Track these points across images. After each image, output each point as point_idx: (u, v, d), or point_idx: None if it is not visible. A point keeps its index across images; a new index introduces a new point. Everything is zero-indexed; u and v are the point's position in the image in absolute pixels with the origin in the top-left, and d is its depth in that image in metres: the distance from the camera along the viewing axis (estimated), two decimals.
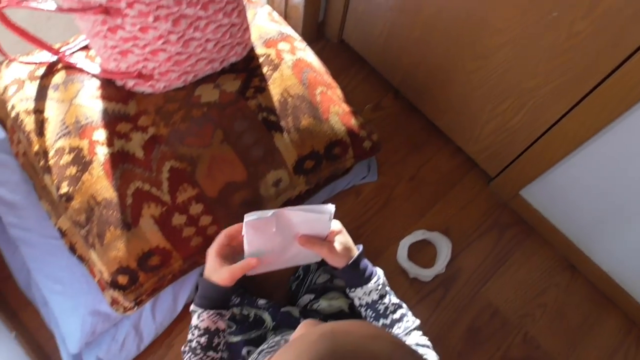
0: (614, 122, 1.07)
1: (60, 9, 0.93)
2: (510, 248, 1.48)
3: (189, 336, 0.76)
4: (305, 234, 0.77)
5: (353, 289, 0.80)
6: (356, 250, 0.80)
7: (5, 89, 1.04)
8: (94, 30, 0.96)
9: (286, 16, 1.59)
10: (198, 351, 0.74)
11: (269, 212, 0.72)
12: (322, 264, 1.14)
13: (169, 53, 1.00)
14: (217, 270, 0.74)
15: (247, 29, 1.10)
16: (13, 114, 1.02)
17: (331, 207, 0.74)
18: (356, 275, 0.79)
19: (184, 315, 1.24)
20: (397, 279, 1.39)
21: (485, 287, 1.42)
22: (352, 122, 1.12)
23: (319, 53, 1.66)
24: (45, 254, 1.13)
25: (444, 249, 1.40)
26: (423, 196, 1.51)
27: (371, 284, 0.78)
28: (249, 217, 0.71)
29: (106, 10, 0.90)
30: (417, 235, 1.42)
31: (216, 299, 0.75)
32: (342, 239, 0.79)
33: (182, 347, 0.77)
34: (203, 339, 0.74)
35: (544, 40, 1.07)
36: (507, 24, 1.12)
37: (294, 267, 1.23)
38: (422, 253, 1.43)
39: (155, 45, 0.97)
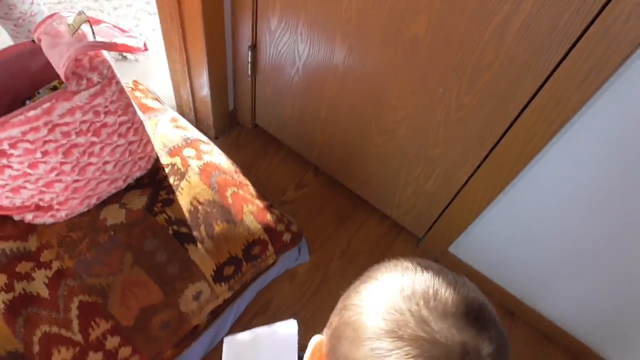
0: (516, 178, 1.13)
1: None
2: None
3: None
4: (275, 353, 0.75)
5: None
6: None
7: None
8: None
9: (196, 110, 1.60)
10: None
11: (246, 334, 0.74)
12: None
13: (65, 182, 0.96)
14: None
15: (147, 142, 1.08)
16: None
17: (292, 323, 0.74)
18: None
19: None
20: None
21: None
22: (268, 217, 1.12)
23: (235, 140, 1.69)
24: None
25: None
26: (358, 268, 1.49)
27: None
28: (229, 338, 0.73)
29: None
30: None
31: None
32: None
33: None
34: None
35: (437, 114, 1.13)
36: (401, 102, 1.17)
37: None
38: None
39: (48, 177, 0.93)
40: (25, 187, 0.94)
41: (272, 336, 0.74)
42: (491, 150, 1.11)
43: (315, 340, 0.51)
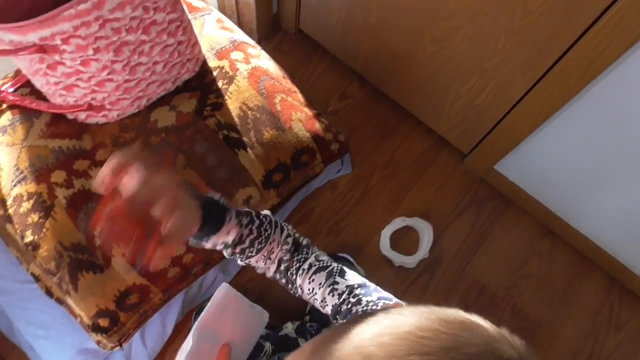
0: (578, 95, 1.06)
1: None
2: (491, 222, 1.49)
3: None
4: (229, 320, 0.79)
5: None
6: None
7: None
8: (32, 69, 0.91)
9: (239, 12, 1.53)
10: None
11: (189, 339, 0.73)
12: None
13: (116, 82, 0.95)
14: None
15: (195, 43, 1.05)
16: None
17: (224, 285, 0.77)
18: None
19: (175, 337, 1.24)
20: (383, 270, 1.40)
21: (469, 265, 1.43)
22: (317, 126, 1.10)
23: (278, 46, 1.63)
24: (22, 300, 1.10)
25: (425, 233, 1.40)
26: (399, 182, 1.51)
27: None
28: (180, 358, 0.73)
29: (42, 49, 0.85)
30: (397, 223, 1.42)
31: None
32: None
33: None
34: None
35: (500, 20, 1.05)
36: (461, 6, 1.09)
37: None
38: (405, 240, 1.44)
39: (100, 76, 0.93)
40: (78, 86, 0.93)
41: (213, 312, 0.76)
42: (556, 62, 1.04)
43: None
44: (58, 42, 0.84)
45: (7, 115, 1.00)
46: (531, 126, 1.22)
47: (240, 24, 1.56)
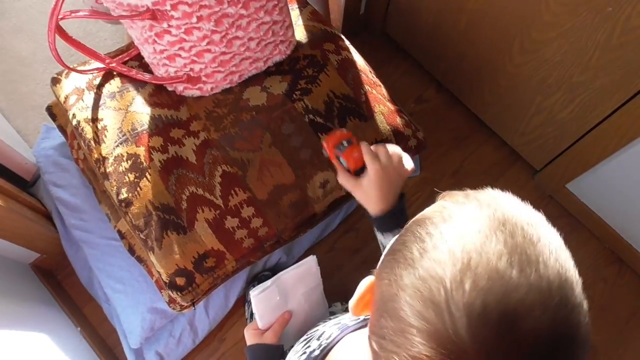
0: None
1: (111, 17, 0.97)
2: None
3: None
4: (301, 291, 0.82)
5: (380, 233, 0.81)
6: (392, 199, 0.79)
7: (66, 98, 1.09)
8: (142, 37, 0.99)
9: (328, 9, 1.59)
10: None
11: (268, 282, 0.78)
12: None
13: (213, 53, 1.02)
14: (261, 337, 0.81)
15: (290, 26, 1.11)
16: (74, 123, 1.07)
17: (312, 258, 0.82)
18: (384, 223, 0.79)
19: (235, 310, 1.29)
20: None
21: None
22: (397, 120, 1.13)
23: (360, 46, 1.66)
24: (105, 254, 1.19)
25: None
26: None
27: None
28: (254, 292, 0.78)
29: (153, 14, 0.93)
30: None
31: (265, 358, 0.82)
32: (378, 182, 0.78)
33: None
34: None
35: (597, 35, 1.04)
36: (557, 19, 1.09)
37: None
38: None
39: (200, 46, 0.99)
40: (179, 55, 1.01)
41: (295, 275, 0.80)
42: None
43: (367, 281, 0.46)
44: (168, 7, 0.91)
45: (117, 82, 1.09)
46: (614, 147, 1.19)
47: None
